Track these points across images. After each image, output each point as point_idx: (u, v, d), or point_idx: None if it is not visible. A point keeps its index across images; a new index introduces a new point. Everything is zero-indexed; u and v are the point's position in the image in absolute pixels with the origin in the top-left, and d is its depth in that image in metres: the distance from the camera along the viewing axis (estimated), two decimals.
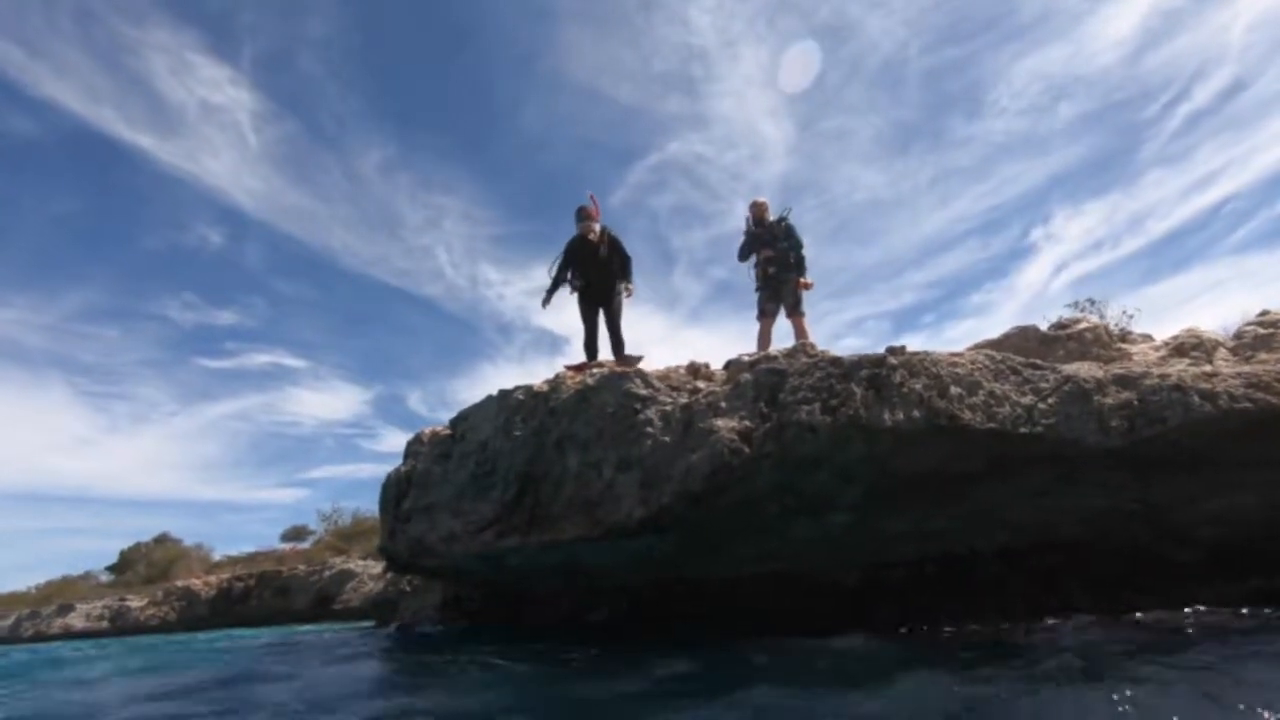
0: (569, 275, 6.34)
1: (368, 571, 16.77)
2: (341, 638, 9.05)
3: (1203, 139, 38.30)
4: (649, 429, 4.80)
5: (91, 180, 60.70)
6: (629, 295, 6.38)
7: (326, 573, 17.80)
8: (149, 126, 53.62)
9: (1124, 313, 7.89)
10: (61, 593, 25.43)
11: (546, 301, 6.42)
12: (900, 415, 3.99)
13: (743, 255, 6.56)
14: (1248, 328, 5.54)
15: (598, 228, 6.37)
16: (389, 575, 14.52)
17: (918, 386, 4.14)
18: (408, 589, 10.42)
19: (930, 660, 3.70)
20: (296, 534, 24.45)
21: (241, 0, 52.65)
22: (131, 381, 61.27)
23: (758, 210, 6.57)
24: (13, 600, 26.47)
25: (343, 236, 61.46)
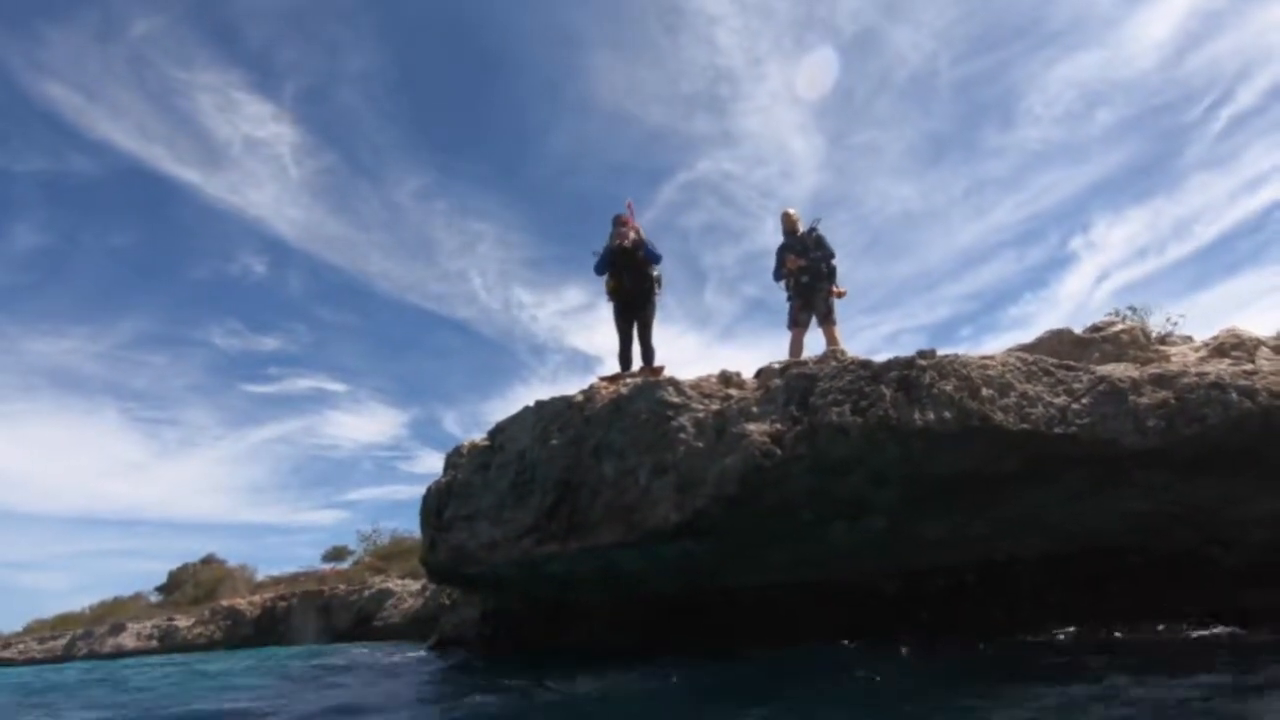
0: (607, 274, 6.57)
1: (406, 590, 17.00)
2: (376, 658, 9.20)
3: (1249, 141, 37.18)
4: (682, 435, 4.91)
5: (144, 215, 63.65)
6: (659, 288, 6.62)
7: (366, 592, 18.09)
8: (197, 162, 56.16)
9: (1169, 320, 7.76)
10: (113, 613, 26.20)
11: (600, 270, 6.70)
12: (931, 416, 4.04)
13: (778, 275, 6.65)
14: None
15: (632, 234, 6.59)
16: (428, 592, 14.73)
17: (948, 388, 4.18)
18: (446, 603, 10.58)
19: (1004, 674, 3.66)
20: (337, 554, 24.87)
21: (282, 39, 55.16)
22: (180, 407, 63.41)
23: (788, 221, 6.68)
24: (68, 620, 27.36)
25: (380, 263, 63.21)
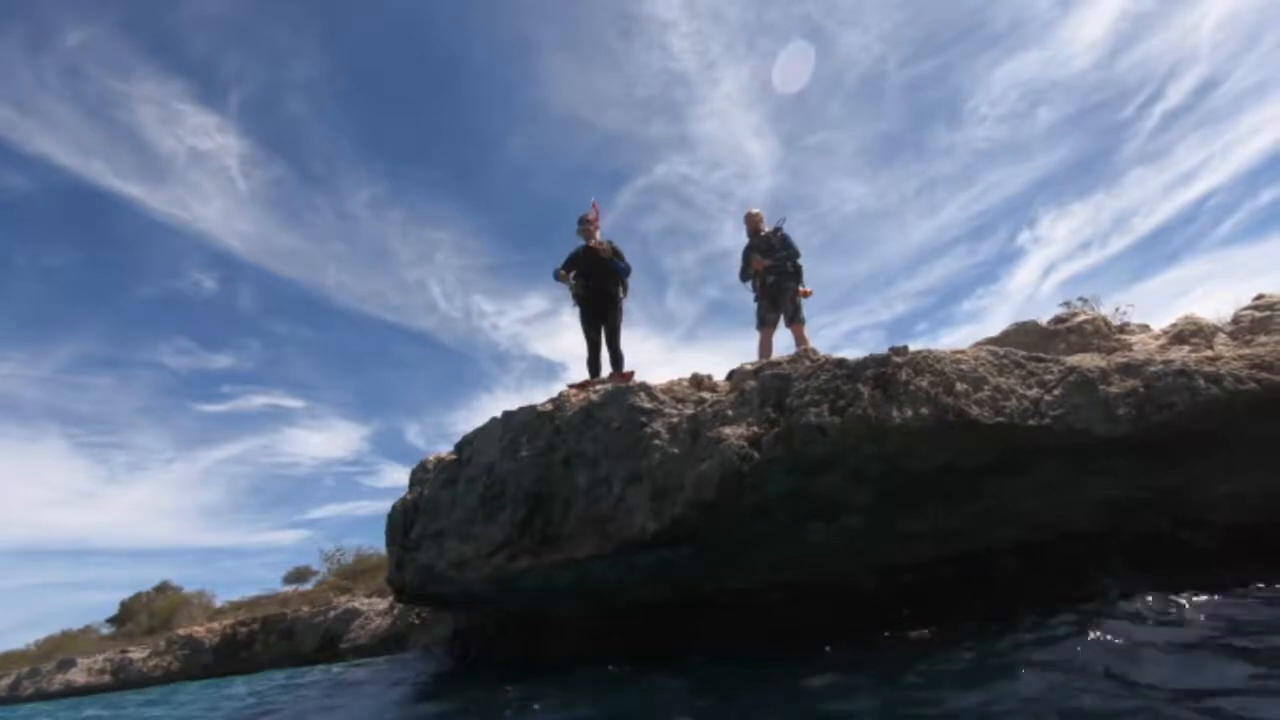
0: (571, 276, 6.38)
1: (374, 609, 16.51)
2: (353, 676, 8.88)
3: (1181, 136, 39.01)
4: (656, 441, 4.79)
5: (84, 232, 61.21)
6: (624, 294, 6.48)
7: (331, 613, 17.52)
8: (139, 176, 54.14)
9: (1117, 309, 7.96)
10: (61, 648, 24.94)
11: (560, 277, 6.47)
12: (909, 413, 3.99)
13: (744, 275, 6.60)
14: (1244, 312, 5.58)
15: (600, 235, 6.47)
16: (396, 610, 14.31)
17: (924, 384, 4.14)
18: (416, 622, 10.26)
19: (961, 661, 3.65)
20: (299, 575, 24.10)
21: (225, 48, 53.54)
22: (128, 430, 61.00)
23: (752, 221, 6.63)
24: (11, 659, 25.92)
25: (336, 275, 61.82)
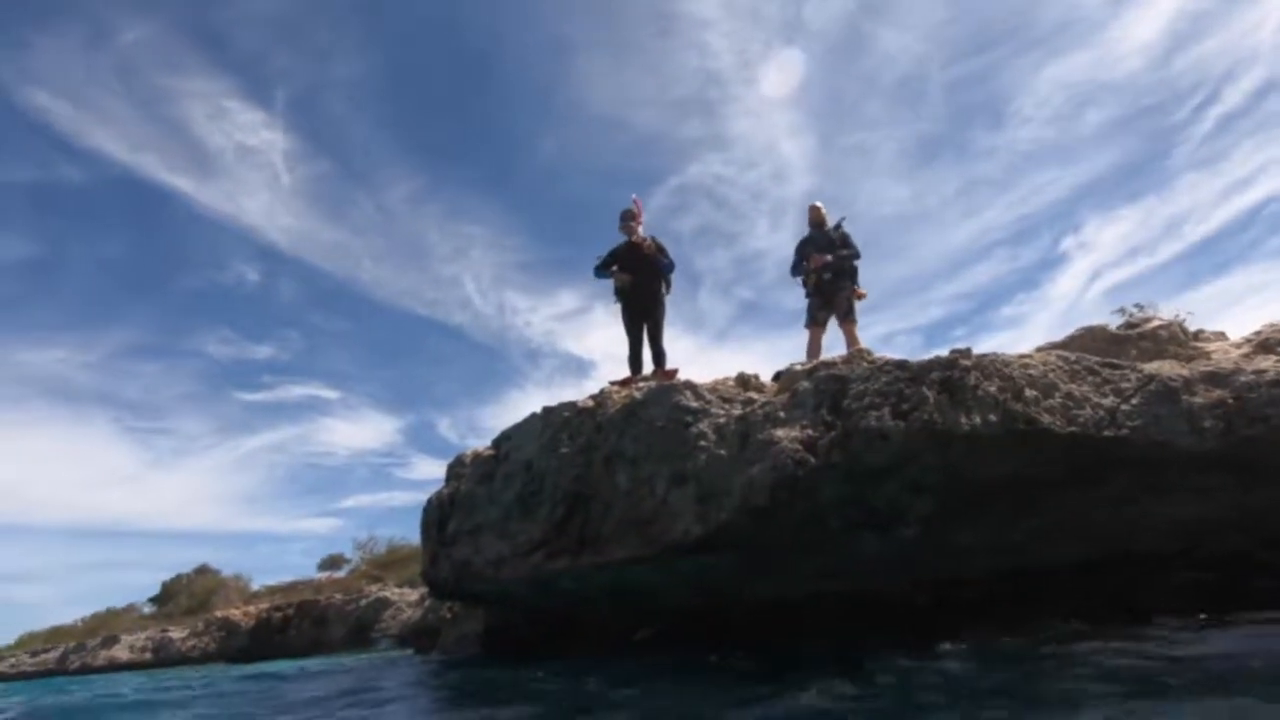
0: (616, 270, 6.25)
1: (404, 599, 16.65)
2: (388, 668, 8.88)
3: (1237, 141, 37.26)
4: (703, 442, 4.61)
5: (135, 224, 63.16)
6: (667, 291, 6.35)
7: (363, 601, 17.73)
8: (188, 170, 55.70)
9: (1178, 315, 7.50)
10: (106, 625, 25.78)
11: (600, 273, 6.41)
12: (977, 419, 3.76)
13: (796, 270, 6.37)
14: None
15: (643, 230, 6.32)
16: (427, 602, 14.38)
17: (992, 389, 3.90)
18: (448, 616, 10.25)
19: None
20: (333, 563, 24.49)
21: (272, 46, 54.70)
22: (172, 416, 62.84)
23: (815, 213, 6.41)
24: (60, 634, 26.90)
25: (373, 269, 62.79)
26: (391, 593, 17.40)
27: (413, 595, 16.28)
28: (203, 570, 28.21)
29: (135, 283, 63.85)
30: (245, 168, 55.46)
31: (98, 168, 56.17)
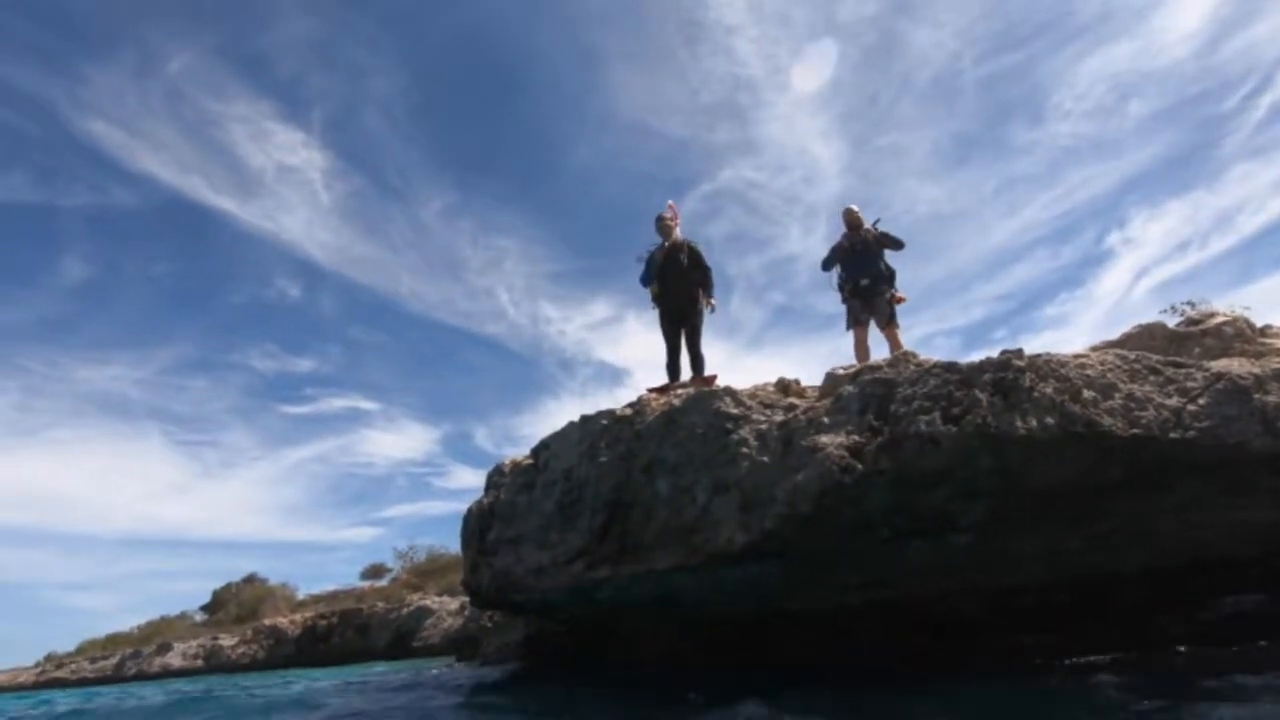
0: (652, 281, 6.23)
1: (445, 608, 16.81)
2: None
3: None
4: (744, 449, 4.53)
5: (183, 243, 65.79)
6: (711, 310, 6.24)
7: (405, 610, 17.95)
8: (232, 191, 57.78)
9: (1234, 311, 7.14)
10: (160, 632, 26.60)
11: (646, 280, 6.40)
12: (1033, 422, 3.61)
13: (827, 264, 6.30)
14: None
15: (678, 235, 6.28)
16: (467, 611, 14.48)
17: (1048, 390, 3.74)
18: (488, 625, 10.30)
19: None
20: (375, 572, 24.92)
21: (310, 68, 56.48)
22: (220, 429, 64.99)
23: (850, 216, 6.31)
24: (118, 640, 27.86)
25: (409, 282, 64.18)
26: (432, 601, 17.59)
27: (453, 604, 16.43)
28: (251, 579, 28.95)
29: (183, 300, 66.39)
30: (285, 186, 57.31)
31: (148, 191, 58.74)
